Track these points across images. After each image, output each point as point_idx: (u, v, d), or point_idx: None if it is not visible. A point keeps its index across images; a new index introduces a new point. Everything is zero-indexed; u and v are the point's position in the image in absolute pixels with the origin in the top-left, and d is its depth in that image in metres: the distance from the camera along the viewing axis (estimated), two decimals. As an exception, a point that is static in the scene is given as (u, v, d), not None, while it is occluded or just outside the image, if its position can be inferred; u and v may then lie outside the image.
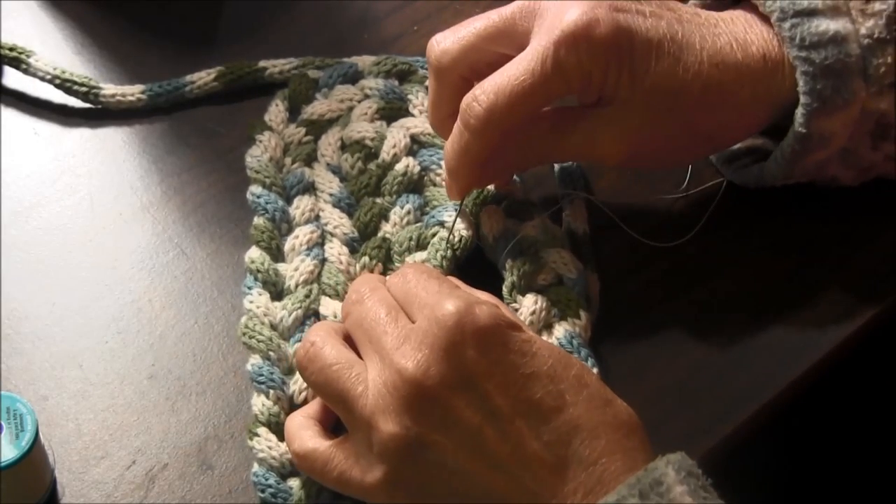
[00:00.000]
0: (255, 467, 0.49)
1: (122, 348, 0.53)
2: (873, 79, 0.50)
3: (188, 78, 0.63)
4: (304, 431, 0.47)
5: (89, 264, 0.57)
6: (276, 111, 0.61)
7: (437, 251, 0.54)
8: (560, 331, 0.52)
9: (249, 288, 0.54)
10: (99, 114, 0.63)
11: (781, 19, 0.50)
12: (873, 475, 0.69)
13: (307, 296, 0.53)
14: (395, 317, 0.46)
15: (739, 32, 0.51)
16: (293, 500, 0.48)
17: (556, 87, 0.50)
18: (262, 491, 0.48)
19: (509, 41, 0.51)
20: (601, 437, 0.42)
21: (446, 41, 0.52)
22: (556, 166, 0.59)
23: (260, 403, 0.50)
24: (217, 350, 0.53)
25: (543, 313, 0.52)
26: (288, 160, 0.59)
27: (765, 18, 0.52)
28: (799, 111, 0.51)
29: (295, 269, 0.55)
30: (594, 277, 0.54)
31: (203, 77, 0.63)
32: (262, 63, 0.63)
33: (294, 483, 0.48)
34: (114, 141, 0.62)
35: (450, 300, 0.44)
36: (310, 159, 0.59)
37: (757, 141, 0.57)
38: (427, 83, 0.60)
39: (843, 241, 0.56)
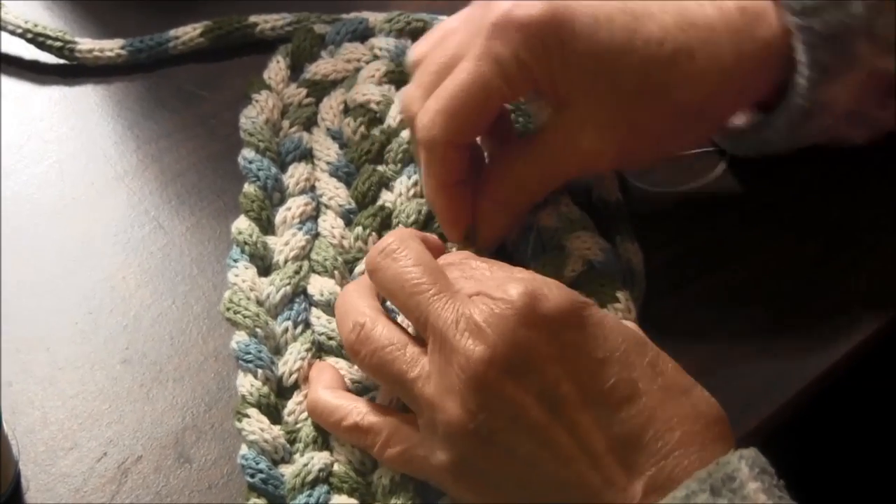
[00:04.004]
0: (245, 450, 0.47)
1: (93, 330, 0.52)
2: (880, 39, 0.47)
3: (172, 33, 0.61)
4: (354, 403, 0.46)
5: (58, 238, 0.55)
6: (276, 68, 0.59)
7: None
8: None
9: (235, 261, 0.52)
10: (69, 73, 0.61)
11: None
12: None
13: (297, 272, 0.52)
14: (436, 280, 0.44)
15: None
16: (285, 489, 0.46)
17: (497, 83, 0.47)
18: (252, 476, 0.47)
19: None
20: (675, 430, 0.40)
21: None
22: None
23: (248, 384, 0.49)
24: (196, 333, 0.52)
25: None
26: (286, 123, 0.57)
27: None
28: (799, 82, 0.47)
29: (285, 243, 0.53)
30: (634, 247, 0.52)
31: (189, 32, 0.61)
32: (252, 18, 0.61)
33: (286, 470, 0.47)
34: (86, 103, 0.61)
35: (515, 280, 0.42)
36: (309, 123, 0.57)
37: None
38: None
39: (873, 227, 0.54)
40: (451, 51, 0.49)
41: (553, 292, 0.42)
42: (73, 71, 0.61)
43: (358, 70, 0.59)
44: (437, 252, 0.48)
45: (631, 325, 0.45)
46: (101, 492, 0.47)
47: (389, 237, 0.46)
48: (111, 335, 0.52)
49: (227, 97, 0.59)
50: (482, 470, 0.42)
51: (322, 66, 0.59)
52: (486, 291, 0.42)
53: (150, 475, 0.48)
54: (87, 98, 0.60)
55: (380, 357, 0.44)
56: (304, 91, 0.58)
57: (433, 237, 0.50)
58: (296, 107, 0.58)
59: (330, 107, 0.57)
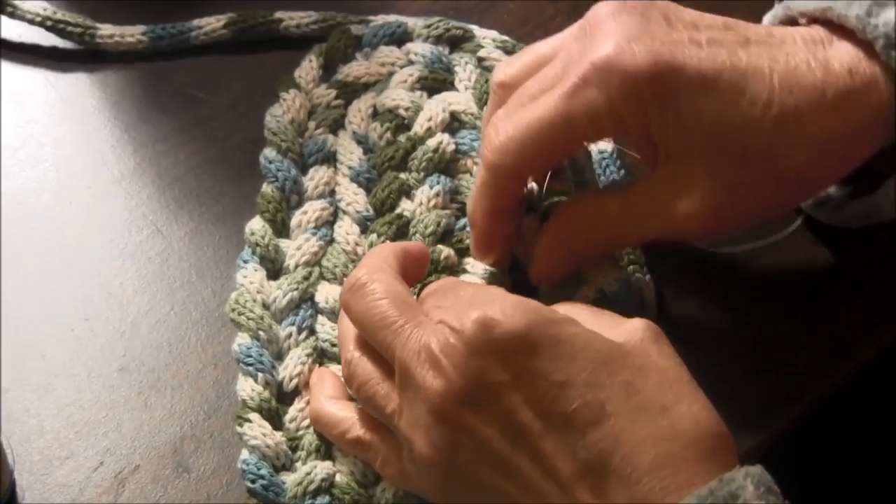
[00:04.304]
0: (245, 455, 0.47)
1: (89, 337, 0.52)
2: None
3: (196, 22, 0.61)
4: (356, 416, 0.46)
5: (54, 243, 0.55)
6: (308, 67, 0.59)
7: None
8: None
9: (245, 262, 0.52)
10: (66, 75, 0.61)
11: (888, 46, 0.44)
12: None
13: (306, 278, 0.51)
14: (403, 312, 0.43)
15: (818, 49, 0.45)
16: (286, 497, 0.46)
17: (582, 128, 0.45)
18: (252, 482, 0.46)
19: None
20: (647, 452, 0.38)
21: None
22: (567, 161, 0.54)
23: (249, 388, 0.48)
24: (195, 340, 0.52)
25: None
26: (311, 124, 0.56)
27: (850, 37, 0.45)
28: None
29: (297, 247, 0.52)
30: (646, 280, 0.50)
31: (212, 23, 0.61)
32: (278, 14, 0.61)
33: (288, 478, 0.47)
34: (82, 106, 0.60)
35: (475, 306, 0.41)
36: (336, 126, 0.57)
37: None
38: (479, 54, 0.58)
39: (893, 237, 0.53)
40: (548, 83, 0.46)
41: (508, 316, 0.40)
42: (70, 74, 0.61)
43: (391, 74, 0.58)
44: (421, 261, 0.48)
45: (626, 335, 0.42)
46: (97, 501, 0.47)
47: (359, 270, 0.45)
48: (108, 342, 0.52)
49: (227, 99, 0.59)
50: (460, 498, 0.42)
51: (355, 69, 0.58)
52: (446, 320, 0.41)
53: (147, 485, 0.47)
54: (83, 101, 0.60)
55: (364, 392, 0.44)
56: (333, 92, 0.57)
57: (417, 246, 0.49)
58: (324, 108, 0.57)
59: (358, 110, 0.57)
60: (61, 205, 0.56)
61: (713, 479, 0.38)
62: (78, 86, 0.60)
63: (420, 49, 0.58)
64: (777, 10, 0.49)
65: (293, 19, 0.60)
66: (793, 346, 0.50)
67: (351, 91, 0.57)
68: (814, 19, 0.46)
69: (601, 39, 0.45)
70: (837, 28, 0.45)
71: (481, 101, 0.56)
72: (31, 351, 0.51)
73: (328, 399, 0.47)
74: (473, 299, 0.42)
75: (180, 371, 0.51)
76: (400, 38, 0.59)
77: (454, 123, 0.55)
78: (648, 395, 0.39)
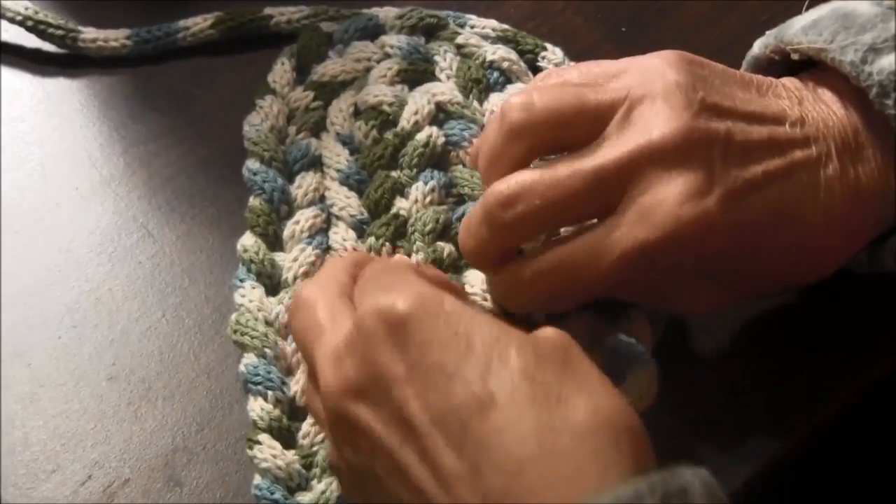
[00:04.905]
0: (258, 479, 0.47)
1: (77, 345, 0.51)
2: None
3: (181, 23, 0.60)
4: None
5: (40, 246, 0.54)
6: (281, 71, 0.58)
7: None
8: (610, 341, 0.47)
9: (241, 281, 0.51)
10: (52, 71, 0.60)
11: (882, 95, 0.44)
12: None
13: None
14: (326, 322, 0.43)
15: (845, 155, 0.45)
16: None
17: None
18: None
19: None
20: (530, 443, 0.36)
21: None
22: None
23: (258, 408, 0.48)
24: (188, 348, 0.51)
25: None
26: (292, 129, 0.56)
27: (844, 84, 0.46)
28: None
29: (294, 259, 0.52)
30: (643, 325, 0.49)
31: (199, 23, 0.60)
32: (267, 10, 0.60)
33: (304, 498, 0.46)
34: (70, 104, 0.59)
35: (379, 294, 0.40)
36: (317, 129, 0.56)
37: None
38: (457, 41, 0.58)
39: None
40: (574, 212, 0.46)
41: (402, 300, 0.39)
42: (56, 69, 0.60)
43: (368, 70, 0.57)
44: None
45: (554, 333, 0.40)
46: (85, 517, 0.47)
47: (302, 289, 0.45)
48: (96, 350, 0.51)
49: (221, 97, 0.59)
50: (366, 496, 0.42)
51: (330, 67, 0.57)
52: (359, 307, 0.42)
53: (137, 499, 0.47)
54: (71, 98, 0.59)
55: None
56: (311, 94, 0.56)
57: (365, 256, 0.49)
58: (303, 111, 0.56)
59: (339, 110, 0.56)
60: (47, 206, 0.55)
61: (612, 471, 0.36)
62: (65, 83, 0.60)
63: (395, 41, 0.58)
64: (768, 40, 0.49)
65: (283, 15, 0.60)
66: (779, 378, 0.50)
67: (329, 91, 0.57)
68: (807, 55, 0.47)
69: (663, 173, 0.43)
70: (831, 69, 0.46)
71: (466, 90, 0.55)
72: (16, 359, 0.51)
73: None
74: (384, 287, 0.41)
75: (172, 380, 0.50)
76: (373, 31, 0.59)
77: (441, 115, 0.55)
78: (544, 384, 0.38)
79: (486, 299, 0.49)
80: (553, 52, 0.57)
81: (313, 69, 0.57)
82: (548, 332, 0.39)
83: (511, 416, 0.37)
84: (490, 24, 0.58)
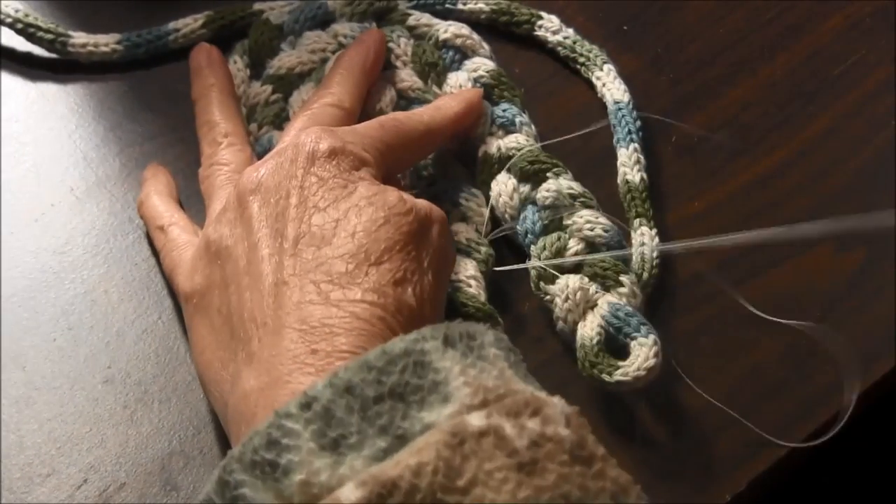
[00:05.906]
0: None
1: (72, 347, 0.51)
2: None
3: (172, 25, 0.59)
4: (176, 214, 0.52)
5: (35, 248, 0.54)
6: (234, 69, 0.57)
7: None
8: (603, 307, 0.48)
9: None
10: (46, 71, 0.60)
11: None
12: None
13: None
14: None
15: None
16: None
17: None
18: None
19: None
20: (330, 306, 0.41)
21: None
22: None
23: None
24: (184, 350, 0.51)
25: (579, 295, 0.49)
26: (254, 126, 0.55)
27: None
28: None
29: None
30: (650, 232, 0.51)
31: (189, 24, 0.59)
32: (257, 5, 0.60)
33: None
34: (65, 104, 0.59)
35: (305, 133, 0.46)
36: (279, 121, 0.55)
37: None
38: (408, 23, 0.58)
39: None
40: None
41: (323, 139, 0.45)
42: (52, 69, 0.60)
43: (325, 61, 0.57)
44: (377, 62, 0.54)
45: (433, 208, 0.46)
46: (81, 522, 0.47)
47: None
48: (92, 353, 0.51)
49: None
50: (210, 298, 0.45)
51: (286, 60, 0.57)
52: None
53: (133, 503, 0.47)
54: (66, 98, 0.59)
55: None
56: (269, 88, 0.56)
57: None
58: (262, 105, 0.56)
59: (301, 101, 0.55)
60: (42, 208, 0.55)
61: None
62: (60, 83, 0.59)
63: (348, 30, 0.57)
64: None
65: (273, 9, 0.59)
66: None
67: (287, 84, 0.56)
68: None
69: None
70: None
71: (423, 74, 0.56)
72: (10, 362, 0.50)
73: (157, 193, 0.53)
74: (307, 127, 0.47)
75: (168, 383, 0.50)
76: (323, 20, 0.58)
77: (402, 101, 0.55)
78: (387, 267, 0.42)
79: (469, 286, 0.50)
80: (550, 20, 0.58)
81: (268, 63, 0.57)
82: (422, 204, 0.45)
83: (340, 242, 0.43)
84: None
